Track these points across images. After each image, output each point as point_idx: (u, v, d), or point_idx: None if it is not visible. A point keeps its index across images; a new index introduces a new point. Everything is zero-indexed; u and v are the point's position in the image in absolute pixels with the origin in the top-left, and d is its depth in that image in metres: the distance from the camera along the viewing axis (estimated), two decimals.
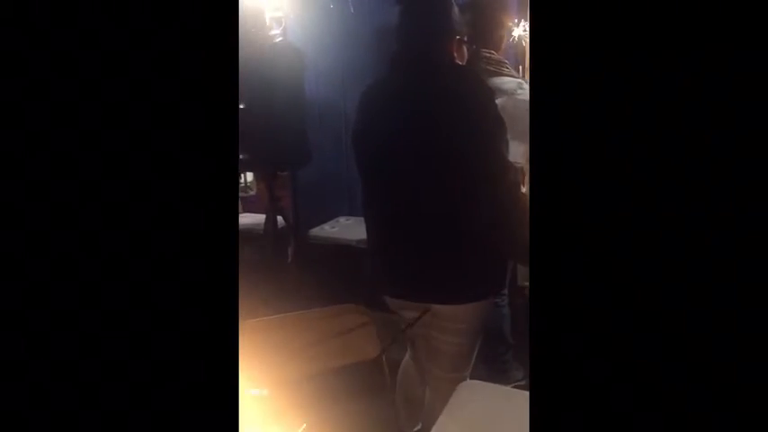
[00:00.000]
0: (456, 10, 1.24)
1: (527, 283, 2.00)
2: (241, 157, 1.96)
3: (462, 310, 1.25)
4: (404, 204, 1.23)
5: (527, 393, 0.61)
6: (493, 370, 1.93)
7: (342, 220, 2.70)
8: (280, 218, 2.49)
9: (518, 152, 1.38)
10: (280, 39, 2.29)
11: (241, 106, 1.73)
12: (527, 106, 0.59)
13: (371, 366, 1.44)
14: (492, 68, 1.53)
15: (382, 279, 1.35)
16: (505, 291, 1.88)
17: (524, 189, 1.33)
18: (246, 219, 2.84)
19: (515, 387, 1.75)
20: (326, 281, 2.01)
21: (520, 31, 2.27)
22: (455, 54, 1.23)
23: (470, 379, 1.33)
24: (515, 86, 1.52)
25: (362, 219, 1.39)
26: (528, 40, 2.11)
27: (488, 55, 1.54)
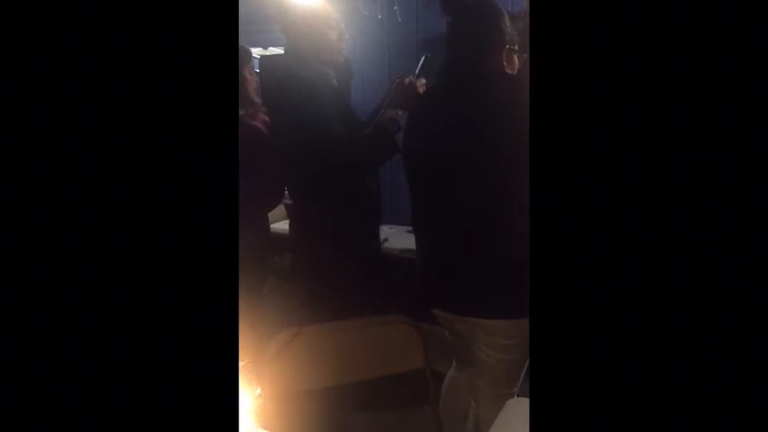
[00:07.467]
0: (506, 19, 1.21)
1: None
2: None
3: (513, 325, 1.22)
4: (453, 216, 1.22)
5: None
6: None
7: (385, 228, 2.70)
8: None
9: None
10: None
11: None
12: None
13: (415, 377, 1.43)
14: None
15: (429, 291, 1.34)
16: None
17: None
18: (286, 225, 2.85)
19: None
20: (370, 290, 2.01)
21: None
22: (505, 63, 1.21)
23: (519, 396, 1.30)
24: None
25: (406, 228, 1.38)
26: None
27: None
